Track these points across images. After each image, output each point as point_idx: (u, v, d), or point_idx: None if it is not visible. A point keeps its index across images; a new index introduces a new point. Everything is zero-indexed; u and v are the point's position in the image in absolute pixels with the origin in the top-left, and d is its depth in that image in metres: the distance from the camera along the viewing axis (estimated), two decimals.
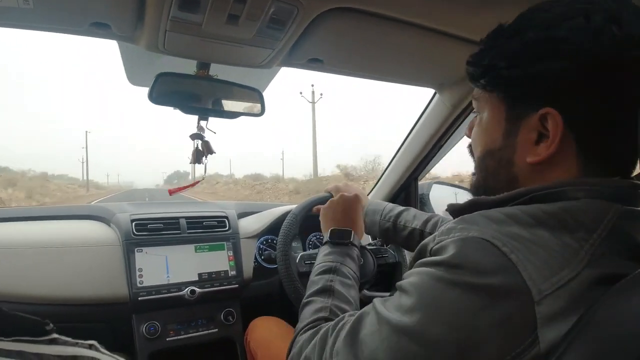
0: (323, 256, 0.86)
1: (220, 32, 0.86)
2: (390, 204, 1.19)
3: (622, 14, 0.48)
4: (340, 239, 0.90)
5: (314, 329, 0.66)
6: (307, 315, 0.73)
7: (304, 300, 0.77)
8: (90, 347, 0.44)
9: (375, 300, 0.56)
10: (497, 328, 0.43)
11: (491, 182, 0.60)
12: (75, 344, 0.43)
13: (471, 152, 0.66)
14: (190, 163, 1.07)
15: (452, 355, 0.45)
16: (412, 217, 1.12)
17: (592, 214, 0.48)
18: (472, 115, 1.33)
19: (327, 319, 0.69)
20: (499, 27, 0.56)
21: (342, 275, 0.80)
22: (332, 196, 1.25)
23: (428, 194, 1.66)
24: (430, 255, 0.53)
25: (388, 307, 0.52)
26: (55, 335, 0.48)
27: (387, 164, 1.66)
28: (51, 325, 0.48)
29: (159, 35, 0.88)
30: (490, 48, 0.56)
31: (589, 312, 0.42)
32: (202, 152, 1.07)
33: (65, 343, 0.44)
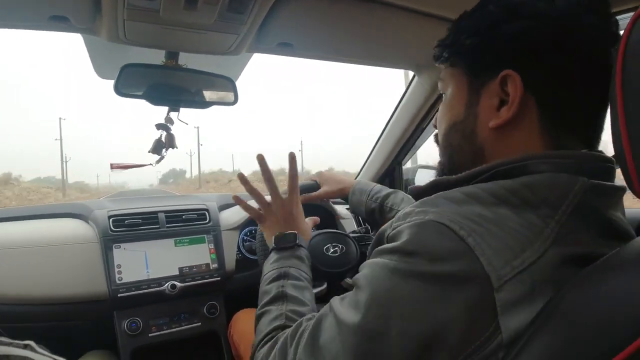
0: (270, 264, 0.82)
1: (180, 18, 0.83)
2: (379, 185, 1.18)
3: None
4: (285, 243, 0.85)
5: (272, 341, 0.63)
6: (263, 327, 0.69)
7: (257, 312, 0.74)
8: (25, 347, 0.43)
9: (332, 300, 0.54)
10: (456, 319, 0.41)
11: (456, 159, 0.59)
12: (10, 344, 0.42)
13: (437, 140, 0.65)
14: (149, 152, 1.05)
15: (413, 350, 0.42)
16: (400, 200, 1.10)
17: (556, 189, 0.46)
18: None
19: (284, 327, 0.66)
20: (461, 14, 0.58)
21: (293, 278, 0.76)
22: (316, 184, 1.24)
23: (413, 179, 1.64)
24: (387, 242, 0.50)
25: (344, 305, 0.50)
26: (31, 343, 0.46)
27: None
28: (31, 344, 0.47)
29: (118, 25, 0.86)
30: (454, 28, 0.58)
31: (557, 297, 0.40)
32: (163, 144, 1.04)
33: None
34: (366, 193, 1.16)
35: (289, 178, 0.93)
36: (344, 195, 1.23)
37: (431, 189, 0.56)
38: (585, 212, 0.46)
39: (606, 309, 0.37)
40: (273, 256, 0.84)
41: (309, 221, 1.00)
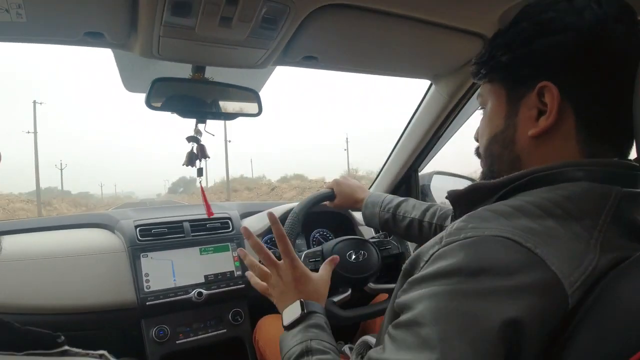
0: (288, 341, 0.71)
1: (214, 35, 0.86)
2: (390, 195, 1.20)
3: None
4: (291, 317, 0.74)
5: None
6: None
7: None
8: (101, 357, 0.45)
9: (372, 353, 0.50)
10: (536, 327, 0.42)
11: (496, 167, 0.61)
12: (86, 355, 0.44)
13: (478, 153, 0.67)
14: (183, 165, 1.08)
15: (501, 354, 0.41)
16: (412, 207, 1.13)
17: (593, 200, 0.48)
18: (470, 106, 1.33)
19: None
20: (495, 32, 0.62)
21: (318, 353, 0.67)
22: (333, 192, 1.26)
23: (429, 185, 1.66)
24: (430, 263, 0.49)
25: (404, 350, 0.45)
26: (66, 347, 0.49)
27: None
28: (62, 337, 0.49)
29: (152, 42, 0.88)
30: (489, 46, 0.61)
31: (593, 296, 0.43)
32: (196, 155, 1.07)
33: (76, 354, 0.45)
34: (378, 205, 1.17)
35: (277, 240, 0.82)
36: (357, 209, 1.25)
37: (469, 193, 0.59)
38: (621, 219, 0.48)
39: (631, 306, 0.41)
40: (287, 334, 0.73)
41: (326, 269, 0.88)
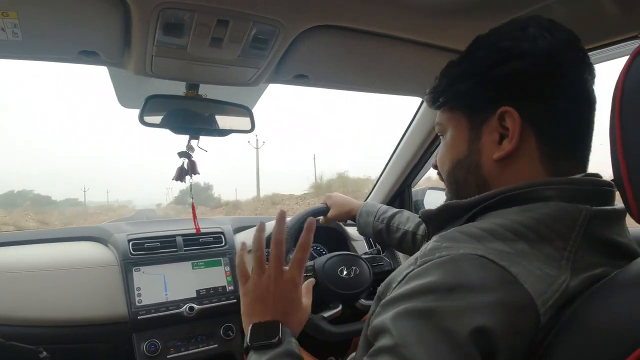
0: None
1: (205, 54, 0.88)
2: (385, 206, 1.22)
3: (552, 26, 0.56)
4: (265, 339, 0.61)
5: None
6: None
7: None
8: None
9: None
10: (508, 339, 0.42)
11: (463, 191, 0.62)
12: None
13: (440, 176, 0.69)
14: (173, 179, 1.10)
15: None
16: (406, 219, 1.14)
17: (564, 220, 0.49)
18: None
19: None
20: (449, 62, 0.64)
21: None
22: (326, 207, 1.28)
23: (422, 200, 1.68)
24: (405, 283, 0.49)
25: None
26: None
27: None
28: (44, 353, 0.50)
29: (146, 60, 0.91)
30: (444, 77, 0.64)
31: (571, 310, 0.45)
32: (186, 171, 1.09)
33: None
34: (373, 214, 1.19)
35: (273, 244, 0.68)
36: (351, 218, 1.27)
37: (442, 212, 0.61)
38: (593, 237, 0.49)
39: (610, 322, 0.42)
40: (253, 357, 0.60)
41: (306, 289, 0.74)
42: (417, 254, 0.52)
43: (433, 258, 0.49)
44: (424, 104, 1.35)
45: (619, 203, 0.53)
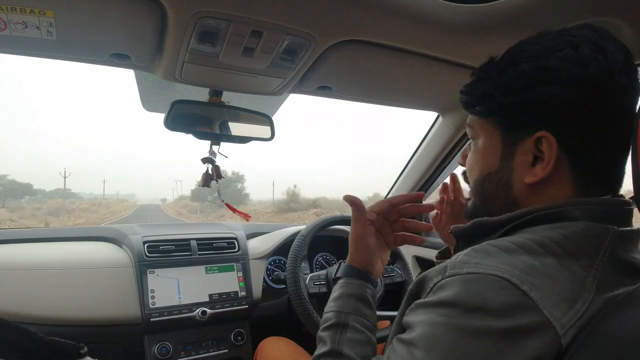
0: (331, 301, 0.72)
1: (236, 63, 0.90)
2: None
3: (606, 45, 0.52)
4: (352, 275, 0.74)
5: None
6: None
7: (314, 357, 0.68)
8: None
9: None
10: None
11: (490, 205, 0.62)
12: None
13: (466, 179, 0.69)
14: (198, 185, 1.12)
15: None
16: None
17: (591, 239, 0.50)
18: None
19: None
20: (490, 60, 0.60)
21: (352, 331, 0.66)
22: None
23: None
24: (434, 292, 0.51)
25: None
26: (88, 359, 0.51)
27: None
28: (85, 348, 0.51)
29: (176, 66, 0.93)
30: (484, 79, 0.61)
31: (588, 327, 0.46)
32: (211, 176, 1.11)
33: None
34: None
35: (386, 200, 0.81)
36: None
37: (472, 228, 0.61)
38: (618, 257, 0.51)
39: (635, 335, 0.44)
40: (337, 289, 0.74)
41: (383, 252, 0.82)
42: (447, 262, 0.53)
43: (461, 272, 0.49)
44: (440, 119, 1.38)
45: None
